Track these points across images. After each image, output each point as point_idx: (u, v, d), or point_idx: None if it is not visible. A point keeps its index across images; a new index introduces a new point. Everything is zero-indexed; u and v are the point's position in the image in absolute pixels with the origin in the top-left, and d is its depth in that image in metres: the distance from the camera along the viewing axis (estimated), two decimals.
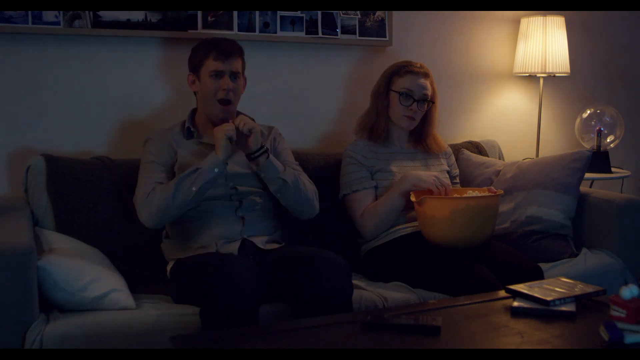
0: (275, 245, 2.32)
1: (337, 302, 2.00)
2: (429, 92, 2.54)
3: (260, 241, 2.28)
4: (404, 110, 2.51)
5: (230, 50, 2.33)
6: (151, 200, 2.18)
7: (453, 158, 2.74)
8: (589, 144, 3.36)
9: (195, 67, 2.37)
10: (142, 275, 2.31)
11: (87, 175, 2.40)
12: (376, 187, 2.51)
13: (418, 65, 2.55)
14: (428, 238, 2.37)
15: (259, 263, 2.18)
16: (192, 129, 2.37)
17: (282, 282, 2.10)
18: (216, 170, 2.18)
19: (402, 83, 2.52)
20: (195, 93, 2.42)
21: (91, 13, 2.55)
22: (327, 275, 2.01)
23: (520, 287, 1.92)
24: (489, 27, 3.30)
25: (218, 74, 2.31)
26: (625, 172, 3.34)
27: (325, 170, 2.70)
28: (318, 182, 2.67)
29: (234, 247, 2.24)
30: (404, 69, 2.54)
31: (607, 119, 3.37)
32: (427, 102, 2.54)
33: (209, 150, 2.27)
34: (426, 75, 2.54)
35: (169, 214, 2.19)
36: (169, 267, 2.27)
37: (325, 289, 1.99)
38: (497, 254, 2.35)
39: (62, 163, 2.40)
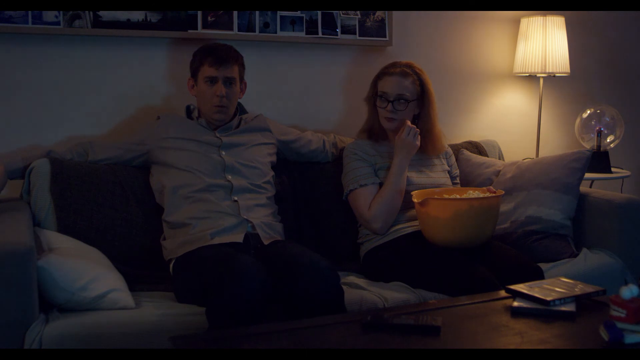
0: (277, 237, 2.34)
1: (323, 304, 1.97)
2: (407, 92, 2.50)
3: (261, 225, 2.29)
4: (381, 112, 2.54)
5: (224, 57, 2.40)
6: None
7: (453, 158, 2.74)
8: (589, 144, 3.36)
9: (193, 72, 2.48)
10: (142, 275, 2.31)
11: (91, 177, 2.39)
12: (380, 184, 2.50)
13: (398, 66, 2.54)
14: (429, 238, 2.37)
15: (259, 259, 2.18)
16: (192, 107, 2.52)
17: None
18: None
19: (379, 86, 2.55)
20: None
21: (91, 13, 2.55)
22: (309, 279, 1.98)
23: (520, 287, 1.92)
24: (489, 27, 3.30)
25: (212, 80, 2.40)
26: (625, 172, 3.34)
27: (326, 171, 2.70)
28: (318, 183, 2.67)
29: (237, 235, 2.23)
30: (383, 71, 2.57)
31: (607, 119, 3.37)
32: (406, 102, 2.51)
33: (202, 126, 2.46)
34: (404, 74, 2.51)
35: None
36: (171, 265, 2.27)
37: (308, 293, 1.97)
38: (497, 254, 2.34)
39: (66, 164, 2.39)
